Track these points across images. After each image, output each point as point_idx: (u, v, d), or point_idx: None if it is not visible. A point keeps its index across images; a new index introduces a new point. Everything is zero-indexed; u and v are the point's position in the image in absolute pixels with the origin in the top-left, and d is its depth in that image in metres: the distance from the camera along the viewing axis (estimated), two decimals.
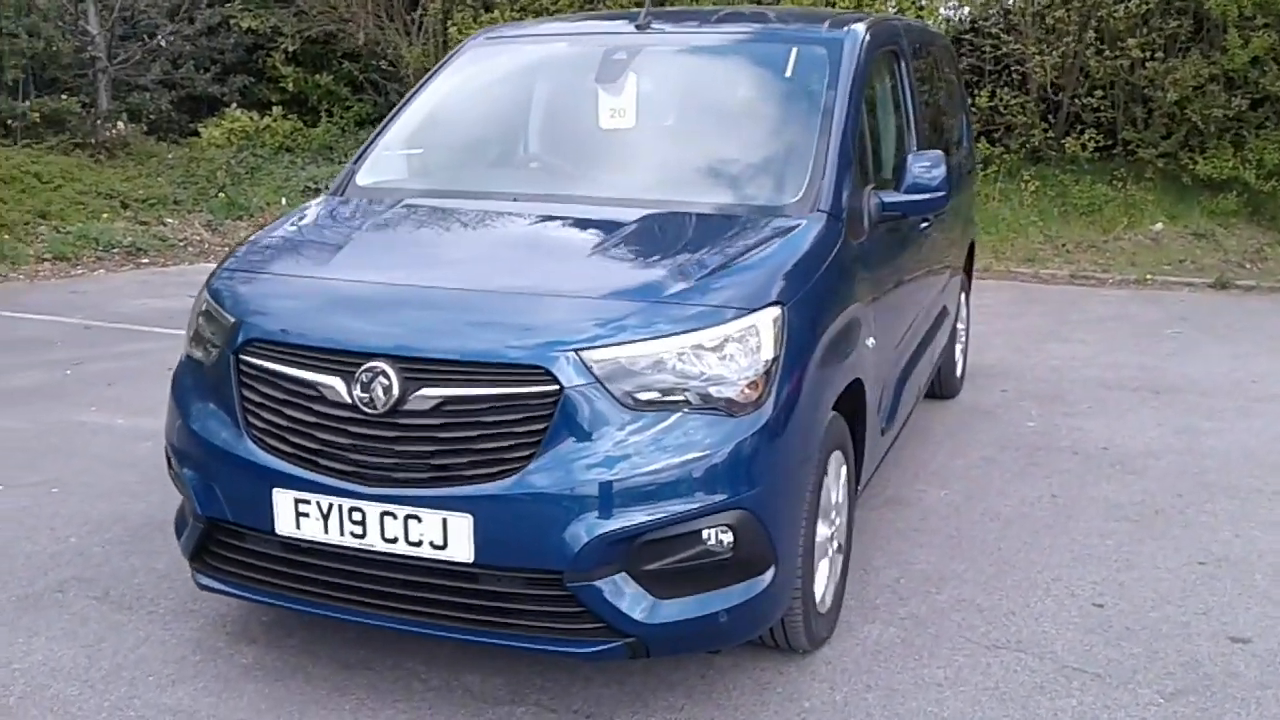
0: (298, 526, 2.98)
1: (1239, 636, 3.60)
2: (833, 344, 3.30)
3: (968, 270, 6.56)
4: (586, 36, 4.29)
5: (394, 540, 2.89)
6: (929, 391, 6.12)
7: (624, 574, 2.83)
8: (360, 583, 2.99)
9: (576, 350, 2.84)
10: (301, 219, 3.76)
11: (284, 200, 12.73)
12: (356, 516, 2.91)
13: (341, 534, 2.93)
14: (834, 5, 11.57)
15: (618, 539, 2.79)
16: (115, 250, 10.98)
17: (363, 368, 2.89)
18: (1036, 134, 11.76)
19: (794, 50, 4.01)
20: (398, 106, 4.34)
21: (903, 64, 4.69)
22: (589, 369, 2.83)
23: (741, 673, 3.35)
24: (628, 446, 2.82)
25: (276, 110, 15.01)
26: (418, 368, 2.87)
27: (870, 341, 3.68)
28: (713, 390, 2.90)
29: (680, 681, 3.30)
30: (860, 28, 4.19)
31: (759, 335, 2.97)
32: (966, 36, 12.22)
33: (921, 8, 11.76)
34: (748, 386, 2.94)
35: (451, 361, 2.86)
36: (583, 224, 3.51)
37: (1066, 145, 11.71)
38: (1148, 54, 11.12)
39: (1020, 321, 8.68)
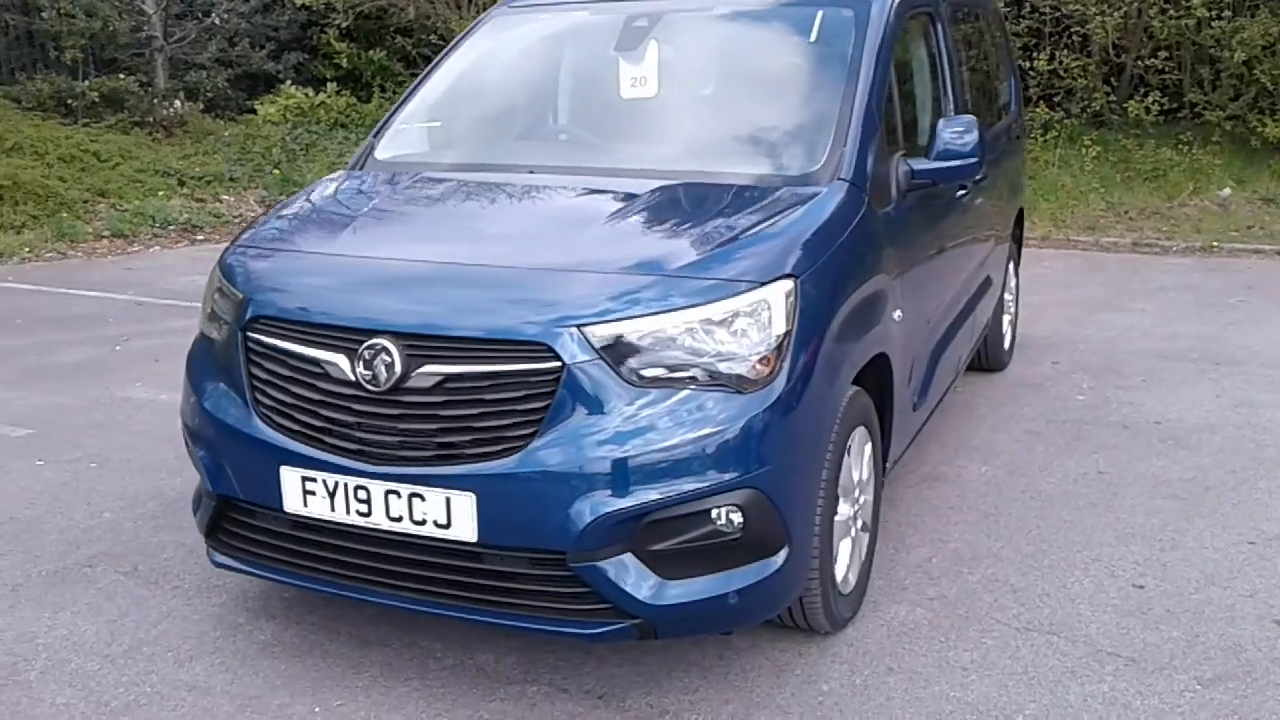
0: (305, 504, 2.96)
1: None
2: (852, 317, 3.19)
3: (1017, 239, 6.36)
4: (608, 4, 4.19)
5: (399, 519, 2.85)
6: (975, 365, 5.98)
7: (630, 554, 2.76)
8: (366, 561, 2.96)
9: (579, 326, 2.77)
10: (317, 194, 3.73)
11: None
12: (362, 495, 2.88)
13: (348, 512, 2.91)
14: None
15: (623, 519, 2.73)
16: (171, 227, 11.12)
17: (365, 344, 2.85)
18: (1098, 97, 11.42)
19: (819, 14, 3.87)
20: (418, 79, 4.29)
21: (939, 26, 4.53)
22: (592, 345, 2.76)
23: (760, 654, 3.28)
24: (633, 424, 2.75)
25: (330, 87, 15.08)
26: (420, 344, 2.82)
27: (897, 314, 3.56)
28: (722, 366, 2.82)
29: (697, 662, 3.23)
30: None
31: (770, 309, 2.88)
32: None
33: None
34: (759, 362, 2.85)
35: (453, 338, 2.81)
36: (595, 196, 3.43)
37: (1129, 109, 11.35)
38: (1214, 13, 10.71)
39: (1077, 291, 8.43)
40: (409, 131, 4.08)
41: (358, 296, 2.99)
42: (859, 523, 3.45)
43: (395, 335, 2.84)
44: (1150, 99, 11.28)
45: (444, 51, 4.38)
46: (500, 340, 2.78)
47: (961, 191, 4.44)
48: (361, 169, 3.96)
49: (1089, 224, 10.57)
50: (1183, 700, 3.04)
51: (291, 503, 2.98)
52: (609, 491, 2.73)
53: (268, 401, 3.03)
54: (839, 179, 3.38)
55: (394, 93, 15.27)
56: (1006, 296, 6.12)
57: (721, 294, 2.87)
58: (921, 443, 4.89)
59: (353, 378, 2.87)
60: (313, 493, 2.94)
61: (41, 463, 4.86)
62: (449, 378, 2.80)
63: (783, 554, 2.91)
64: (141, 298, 8.34)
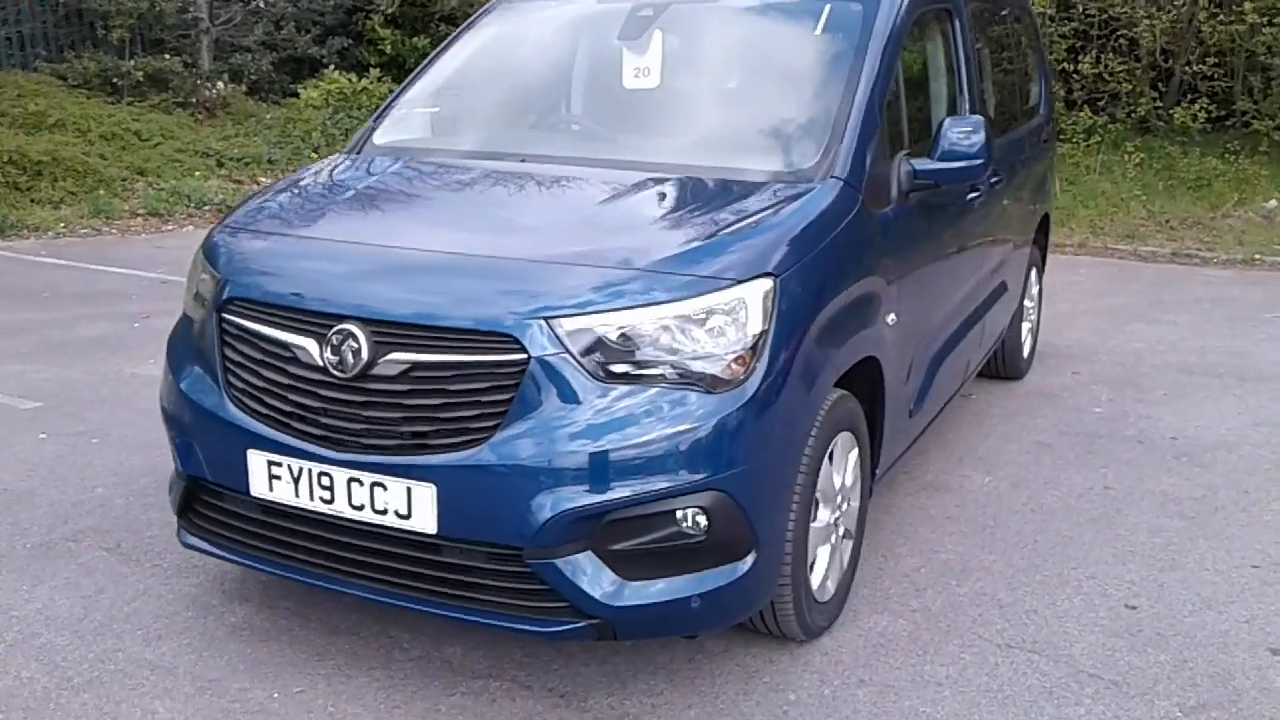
0: (271, 489, 2.94)
1: None
2: (837, 319, 3.11)
3: (1041, 245, 6.22)
4: None
5: (360, 507, 2.82)
6: (991, 372, 5.87)
7: (589, 553, 2.71)
8: (329, 549, 2.93)
9: (547, 318, 2.71)
10: (308, 177, 3.71)
11: None
12: (325, 481, 2.85)
13: (311, 499, 2.88)
14: None
15: (583, 516, 2.68)
16: (206, 207, 11.20)
17: (334, 330, 2.82)
18: (1144, 103, 11.17)
19: (827, 8, 3.79)
20: (423, 64, 4.26)
21: (957, 23, 4.42)
22: (559, 338, 2.70)
23: (730, 659, 3.21)
24: (598, 421, 2.69)
25: (374, 72, 15.13)
26: (387, 331, 2.78)
27: (891, 318, 3.48)
28: (692, 364, 2.75)
29: (665, 664, 3.18)
30: None
31: (746, 308, 2.81)
32: None
33: None
34: (734, 362, 2.78)
35: (419, 326, 2.77)
36: (580, 187, 3.37)
37: (1176, 115, 11.08)
38: (1266, 19, 10.42)
39: (1109, 301, 8.25)
40: (409, 117, 4.04)
41: (329, 281, 2.96)
42: (840, 530, 3.37)
43: (363, 321, 2.80)
44: (1198, 106, 11.02)
45: (450, 37, 4.35)
46: (466, 330, 2.73)
47: (973, 194, 4.33)
48: (359, 153, 3.93)
49: (1128, 232, 10.33)
50: None
51: (258, 487, 2.96)
52: (570, 488, 2.67)
53: (239, 384, 3.01)
54: (832, 177, 3.29)
55: None
56: (1027, 304, 5.98)
57: (697, 290, 2.80)
58: (925, 450, 4.80)
59: (321, 363, 2.84)
60: (278, 477, 2.92)
61: (44, 436, 4.90)
62: (415, 366, 2.76)
63: (750, 559, 2.84)
64: (167, 276, 8.40)
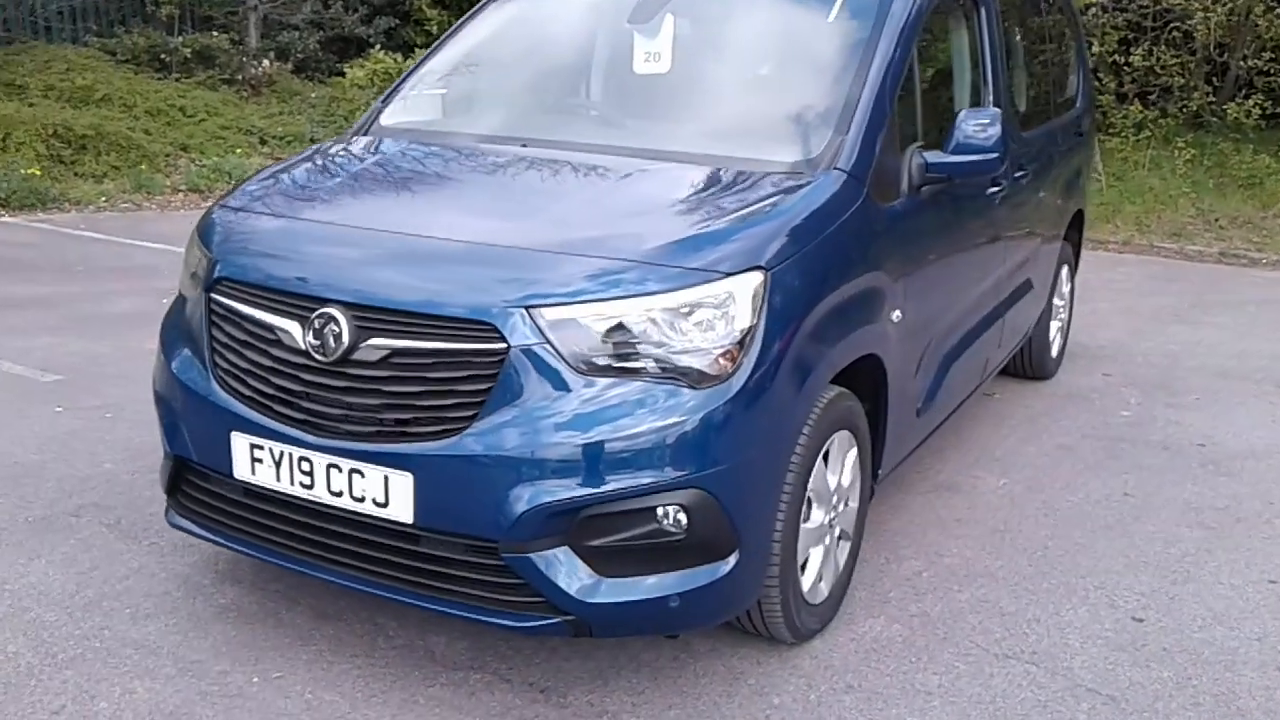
0: (253, 472, 2.92)
1: None
2: (835, 315, 3.03)
3: (1074, 242, 6.06)
4: None
5: (339, 494, 2.79)
6: (1018, 372, 5.74)
7: (565, 548, 2.66)
8: (308, 534, 2.91)
9: (528, 307, 2.66)
10: (310, 157, 3.68)
11: None
12: (305, 467, 2.82)
13: (292, 483, 2.86)
14: None
15: (559, 511, 2.62)
16: None
17: (316, 313, 2.79)
18: (1197, 97, 10.87)
19: None
20: (435, 44, 4.21)
21: (982, 12, 4.29)
22: (540, 328, 2.65)
23: (717, 659, 3.15)
24: (577, 413, 2.64)
25: (420, 53, 15.14)
26: (368, 316, 2.74)
27: (896, 315, 3.38)
28: (677, 359, 2.69)
29: (649, 662, 3.12)
30: None
31: (735, 301, 2.74)
32: None
33: None
34: (721, 357, 2.71)
35: (401, 311, 2.72)
36: (578, 174, 3.31)
37: (1229, 111, 10.78)
38: None
39: (1150, 300, 8.06)
40: (419, 98, 3.99)
41: (314, 263, 2.93)
42: (836, 531, 3.29)
43: (345, 305, 2.76)
44: (1252, 101, 10.71)
45: (463, 18, 4.30)
46: (445, 317, 2.69)
47: (994, 189, 4.21)
48: (366, 134, 3.89)
49: (1175, 230, 10.09)
50: None
51: (241, 469, 2.94)
52: (547, 482, 2.62)
53: (225, 365, 2.99)
54: (835, 168, 3.20)
55: None
56: (1057, 302, 5.84)
57: (684, 283, 2.73)
58: (940, 449, 4.70)
59: (303, 346, 2.81)
60: (260, 461, 2.89)
61: (60, 409, 4.94)
62: (395, 352, 2.72)
63: (733, 559, 2.77)
64: None
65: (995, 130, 3.51)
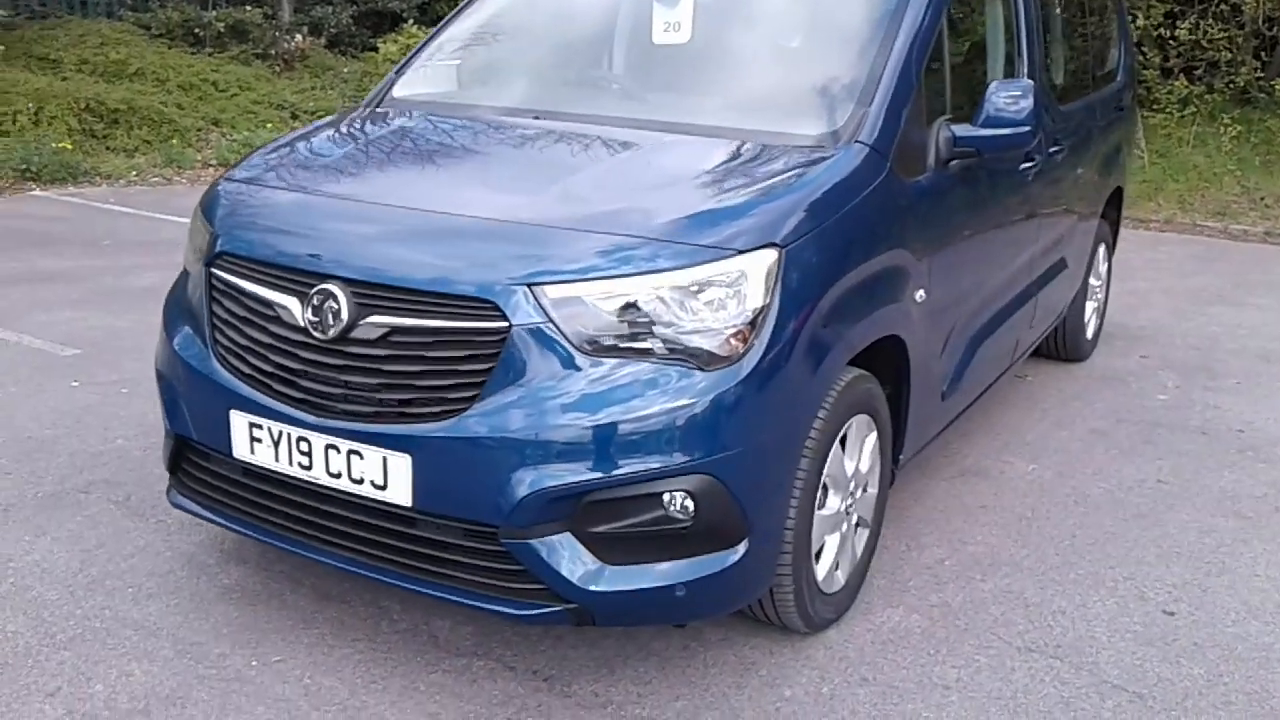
0: (252, 452, 2.85)
1: None
2: (853, 294, 2.91)
3: (1112, 220, 5.87)
4: None
5: (338, 475, 2.72)
6: (1051, 354, 5.58)
7: (568, 534, 2.57)
8: (307, 515, 2.84)
9: (531, 285, 2.56)
10: (319, 129, 3.60)
11: None
12: (304, 447, 2.75)
13: (290, 463, 2.78)
14: None
15: (561, 496, 2.53)
16: None
17: (316, 289, 2.70)
18: (1244, 73, 10.55)
19: None
20: (450, 15, 4.11)
21: None
22: (543, 307, 2.55)
23: (728, 649, 3.06)
24: (581, 395, 2.54)
25: None
26: (368, 293, 2.66)
27: (920, 294, 3.26)
28: (686, 339, 2.58)
29: (658, 651, 3.03)
30: None
31: (747, 280, 2.62)
32: None
33: None
34: (732, 337, 2.60)
35: (400, 288, 2.63)
36: (589, 147, 3.20)
37: (1276, 87, 10.45)
38: None
39: (1192, 280, 7.84)
40: (432, 69, 3.89)
41: (314, 238, 2.84)
42: (854, 518, 3.18)
43: (344, 281, 2.68)
44: None
45: None
46: (446, 294, 2.59)
47: (1027, 164, 4.05)
48: (379, 106, 3.80)
49: (1219, 209, 9.82)
50: None
51: (240, 449, 2.87)
52: (549, 466, 2.53)
53: (225, 342, 2.92)
54: (857, 142, 3.08)
55: None
56: (1094, 282, 5.66)
57: (696, 260, 2.62)
58: (968, 433, 4.57)
59: (302, 323, 2.73)
60: (259, 440, 2.82)
61: (77, 384, 4.91)
62: (395, 330, 2.63)
63: (742, 547, 2.67)
64: None
65: (1027, 103, 3.36)
